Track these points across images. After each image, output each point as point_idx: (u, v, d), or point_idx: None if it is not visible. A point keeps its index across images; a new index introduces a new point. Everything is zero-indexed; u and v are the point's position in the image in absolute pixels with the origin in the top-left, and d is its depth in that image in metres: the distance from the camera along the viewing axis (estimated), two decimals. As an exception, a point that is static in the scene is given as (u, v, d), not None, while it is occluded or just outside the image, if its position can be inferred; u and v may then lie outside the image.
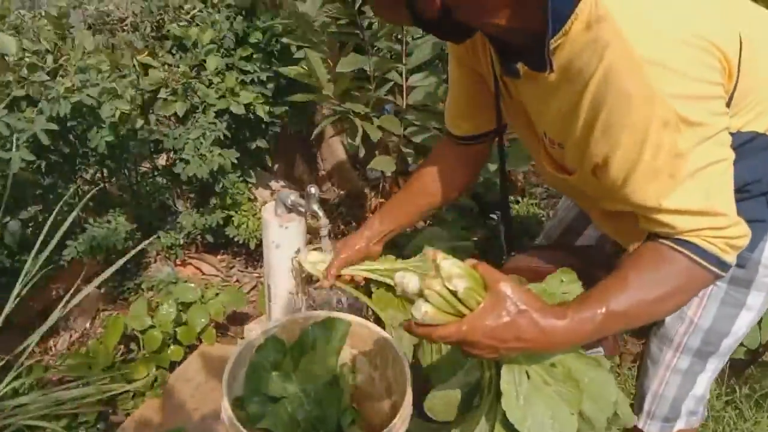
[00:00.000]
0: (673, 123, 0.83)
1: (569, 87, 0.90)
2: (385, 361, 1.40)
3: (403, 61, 2.17)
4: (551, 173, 1.12)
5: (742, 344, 1.78)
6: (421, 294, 0.91)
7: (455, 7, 0.91)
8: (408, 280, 0.92)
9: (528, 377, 0.97)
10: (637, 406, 1.37)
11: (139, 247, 1.73)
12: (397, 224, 1.43)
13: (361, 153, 2.41)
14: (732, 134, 0.91)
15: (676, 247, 0.91)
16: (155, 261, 2.64)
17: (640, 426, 1.36)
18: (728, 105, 0.91)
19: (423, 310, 0.89)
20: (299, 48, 2.34)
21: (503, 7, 0.90)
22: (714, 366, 1.26)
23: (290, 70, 2.31)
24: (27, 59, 2.07)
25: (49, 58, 2.14)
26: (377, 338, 1.40)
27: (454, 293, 0.88)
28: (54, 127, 1.96)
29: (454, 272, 0.88)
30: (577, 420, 0.96)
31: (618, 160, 0.89)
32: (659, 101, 0.82)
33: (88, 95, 2.01)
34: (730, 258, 0.92)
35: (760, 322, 1.97)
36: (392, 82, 2.22)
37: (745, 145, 0.97)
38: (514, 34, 0.95)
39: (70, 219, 1.61)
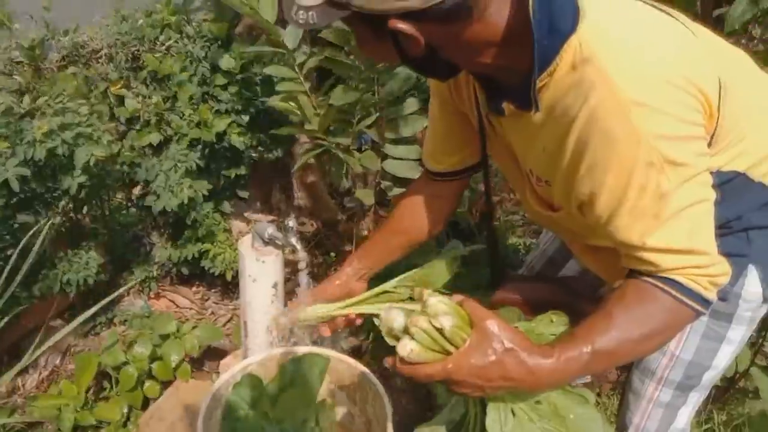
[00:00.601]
0: (657, 164, 0.84)
1: (554, 126, 0.90)
2: (364, 396, 1.38)
3: (377, 93, 2.16)
4: (537, 211, 1.12)
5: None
6: (406, 331, 0.89)
7: (440, 46, 0.91)
8: (394, 317, 0.91)
9: (513, 415, 0.96)
10: (619, 439, 1.36)
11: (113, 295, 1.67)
12: (377, 262, 1.41)
13: (346, 185, 2.40)
14: (713, 173, 0.92)
15: (659, 284, 0.91)
16: (128, 294, 2.58)
17: (622, 459, 1.35)
18: (709, 145, 0.92)
19: (408, 348, 0.88)
20: (278, 81, 2.31)
21: (489, 46, 0.90)
22: (696, 399, 1.26)
23: (278, 105, 2.27)
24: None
25: (26, 99, 2.10)
26: (357, 373, 1.38)
27: (440, 331, 0.87)
28: (26, 172, 1.92)
29: (441, 309, 0.87)
30: (563, 457, 0.95)
31: (603, 200, 0.90)
32: (644, 142, 0.82)
33: (63, 140, 1.96)
34: (712, 295, 0.92)
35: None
36: (377, 115, 2.21)
37: (726, 183, 0.98)
38: (500, 72, 0.96)
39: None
